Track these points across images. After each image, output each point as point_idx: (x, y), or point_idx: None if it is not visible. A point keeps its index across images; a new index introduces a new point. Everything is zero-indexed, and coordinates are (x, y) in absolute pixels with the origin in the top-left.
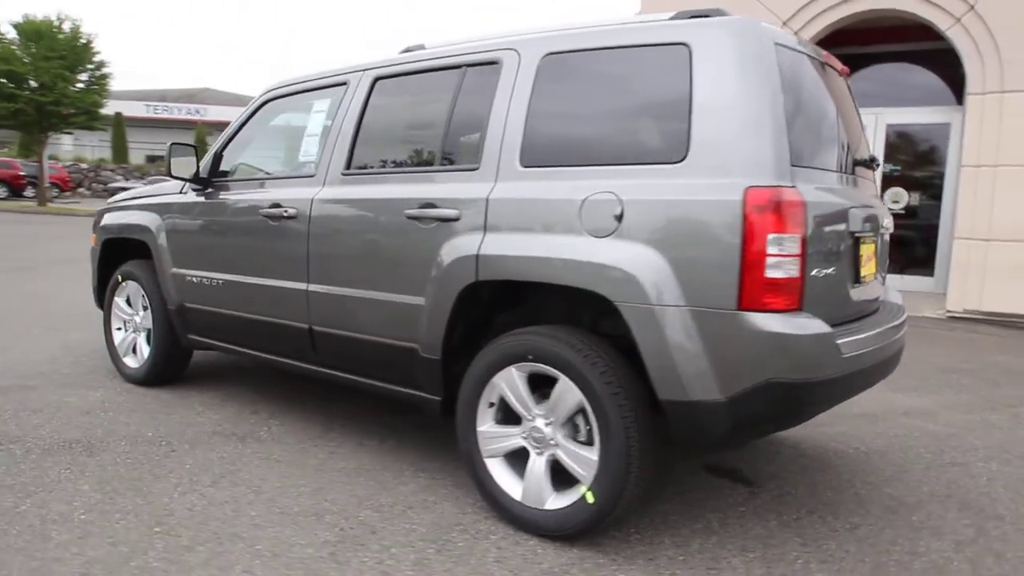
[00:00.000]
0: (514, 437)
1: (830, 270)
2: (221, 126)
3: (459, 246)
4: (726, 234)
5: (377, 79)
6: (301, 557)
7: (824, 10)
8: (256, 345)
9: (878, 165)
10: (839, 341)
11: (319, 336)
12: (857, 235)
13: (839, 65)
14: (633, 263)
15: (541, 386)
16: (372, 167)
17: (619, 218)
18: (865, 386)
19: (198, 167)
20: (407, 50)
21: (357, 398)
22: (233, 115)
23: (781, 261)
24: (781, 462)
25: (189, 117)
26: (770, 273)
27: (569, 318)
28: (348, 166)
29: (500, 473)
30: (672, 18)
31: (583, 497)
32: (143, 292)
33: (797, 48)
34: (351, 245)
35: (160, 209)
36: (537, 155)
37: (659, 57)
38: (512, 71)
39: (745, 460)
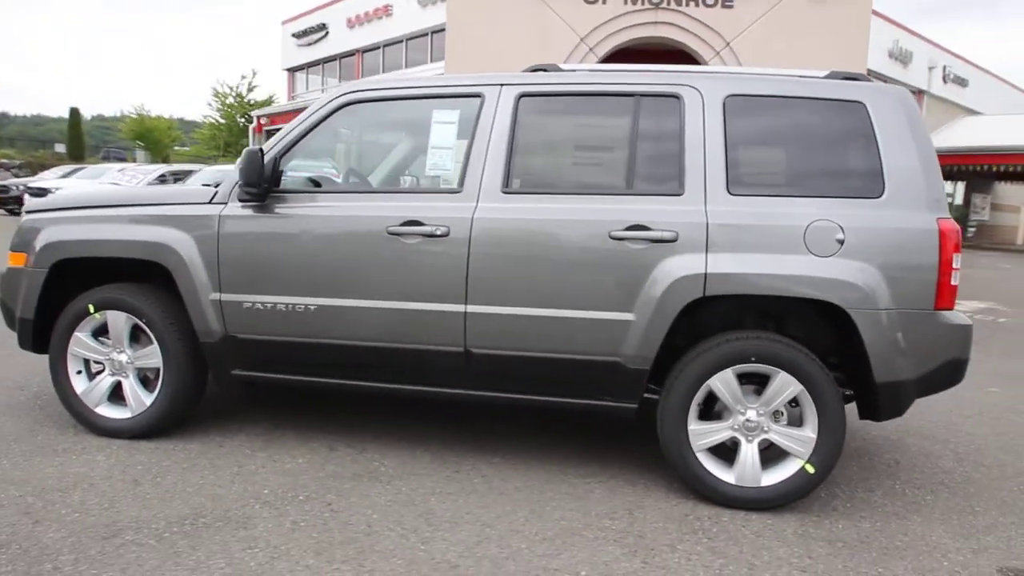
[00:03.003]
0: (723, 430)
1: None
2: None
3: (682, 265)
4: (927, 254)
5: (522, 95)
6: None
7: (613, 32)
8: (355, 374)
9: None
10: None
11: (479, 359)
12: None
13: None
14: (859, 278)
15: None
16: (540, 185)
17: (841, 242)
18: None
19: (264, 175)
20: (539, 69)
21: (412, 417)
22: None
23: (956, 273)
24: None
25: None
26: (953, 281)
27: (757, 325)
28: (507, 183)
29: (710, 464)
30: (827, 76)
31: (802, 469)
32: (142, 323)
33: None
34: (535, 264)
35: (189, 223)
36: (743, 184)
37: (840, 110)
38: (697, 107)
39: None
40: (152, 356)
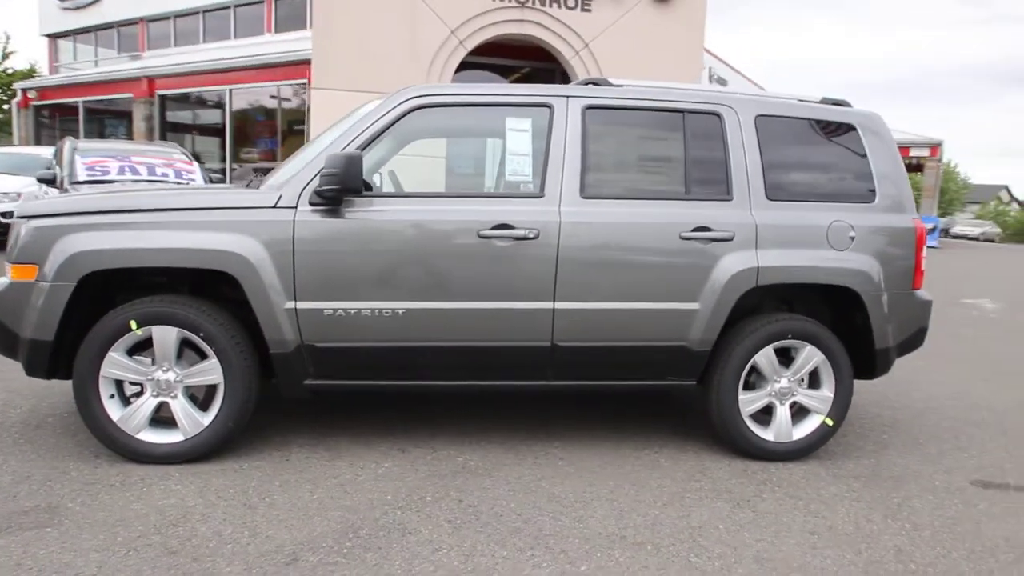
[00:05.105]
0: (763, 397)
1: None
2: None
3: (739, 260)
4: (908, 247)
5: (588, 108)
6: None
7: (483, 27)
8: (440, 375)
9: None
10: None
11: (564, 351)
12: None
13: None
14: (868, 267)
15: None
16: (612, 191)
17: (852, 239)
18: None
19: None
20: (592, 83)
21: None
22: None
23: (924, 261)
24: None
25: None
26: (923, 267)
27: (774, 308)
28: (583, 188)
29: (754, 426)
30: (822, 101)
31: (823, 423)
32: (198, 338)
33: None
34: (615, 263)
35: (256, 228)
36: (777, 191)
37: (837, 131)
38: (735, 124)
39: None
40: (208, 372)
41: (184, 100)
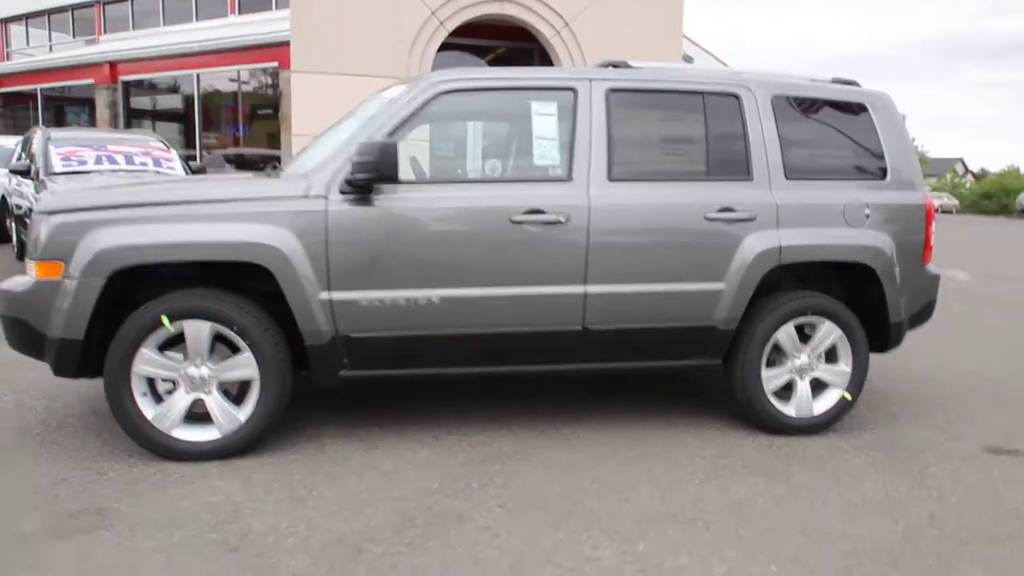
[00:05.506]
0: (784, 374)
1: None
2: None
3: (762, 240)
4: (919, 223)
5: (611, 90)
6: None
7: (464, 7)
8: (473, 361)
9: None
10: None
11: (596, 335)
12: None
13: None
14: (882, 244)
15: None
16: (638, 173)
17: (867, 216)
18: None
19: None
20: (612, 65)
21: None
22: None
23: (932, 236)
24: None
25: None
26: (932, 242)
27: (791, 286)
28: (610, 171)
29: (776, 402)
30: (833, 81)
31: (842, 397)
32: (232, 332)
33: None
34: (644, 245)
35: (288, 219)
36: (795, 170)
37: (848, 109)
38: (753, 105)
39: None
40: (243, 367)
41: (148, 86)
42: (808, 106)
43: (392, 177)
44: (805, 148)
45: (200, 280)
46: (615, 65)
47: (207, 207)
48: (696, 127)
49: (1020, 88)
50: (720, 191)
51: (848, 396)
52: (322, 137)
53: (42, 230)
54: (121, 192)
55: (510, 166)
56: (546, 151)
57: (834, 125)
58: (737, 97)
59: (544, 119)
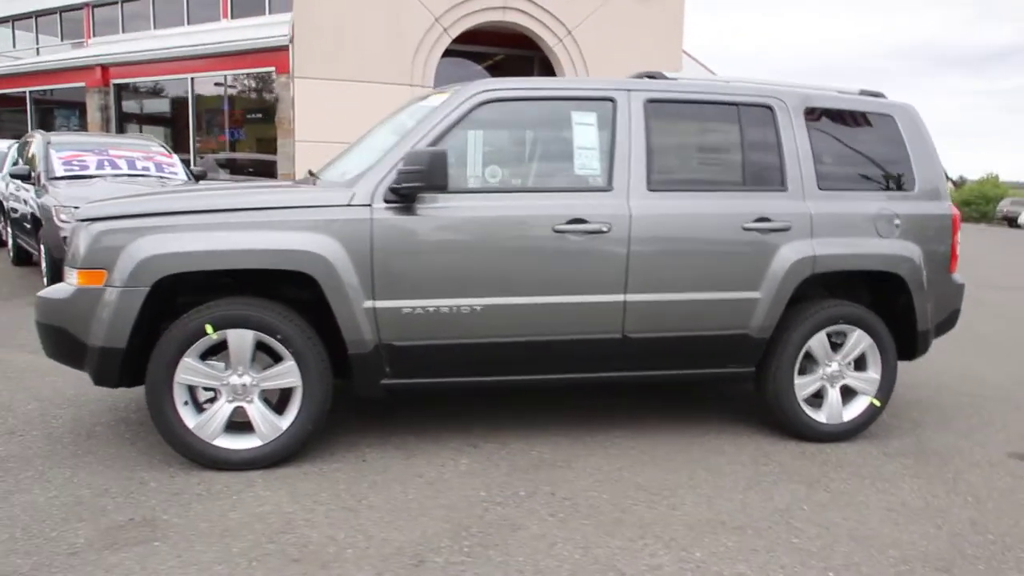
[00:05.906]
0: (816, 381)
1: None
2: None
3: (797, 249)
4: (946, 233)
5: (649, 101)
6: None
7: (467, 14)
8: (514, 370)
9: None
10: None
11: (634, 342)
12: None
13: None
14: (913, 254)
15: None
16: (676, 183)
17: (898, 226)
18: None
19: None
20: (648, 76)
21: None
22: None
23: (958, 246)
24: None
25: None
26: (957, 252)
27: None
28: (649, 181)
29: (808, 409)
30: (860, 92)
31: (871, 404)
32: (275, 341)
33: None
34: (683, 254)
35: (333, 228)
36: (826, 181)
37: (877, 121)
38: (787, 116)
39: None
40: (286, 375)
41: (141, 89)
42: (837, 117)
43: (442, 186)
44: (836, 159)
45: (236, 289)
46: (650, 76)
47: (250, 215)
48: (731, 138)
49: (998, 97)
50: (756, 201)
51: (877, 403)
52: (358, 145)
53: (82, 238)
54: (161, 200)
55: (551, 175)
56: (586, 161)
57: (863, 136)
58: (771, 108)
59: (584, 128)
